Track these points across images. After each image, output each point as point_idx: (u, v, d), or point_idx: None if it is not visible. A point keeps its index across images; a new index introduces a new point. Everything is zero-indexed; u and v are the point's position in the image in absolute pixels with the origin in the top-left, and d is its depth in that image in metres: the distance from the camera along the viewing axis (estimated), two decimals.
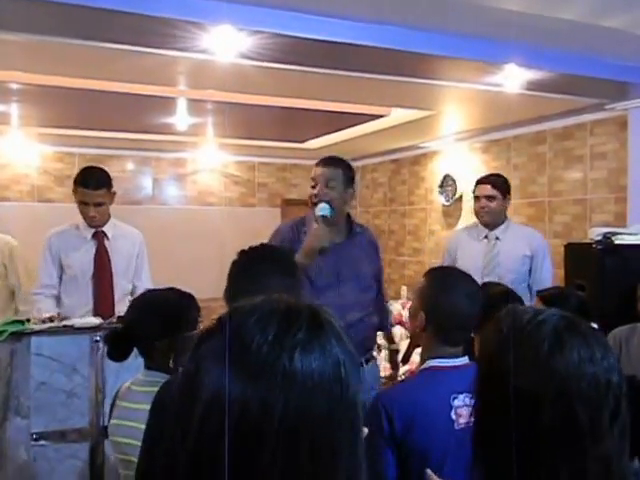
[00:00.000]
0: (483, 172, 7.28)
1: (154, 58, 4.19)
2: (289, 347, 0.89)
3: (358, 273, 3.71)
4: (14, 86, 5.54)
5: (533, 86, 4.85)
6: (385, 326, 4.10)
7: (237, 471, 0.84)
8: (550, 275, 4.52)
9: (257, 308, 0.95)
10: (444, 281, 2.49)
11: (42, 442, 3.73)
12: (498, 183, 4.67)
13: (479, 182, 4.75)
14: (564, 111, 6.03)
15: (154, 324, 2.44)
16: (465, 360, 2.44)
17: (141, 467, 1.99)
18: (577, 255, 5.13)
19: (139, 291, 4.48)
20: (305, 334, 0.91)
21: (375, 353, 3.97)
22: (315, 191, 3.63)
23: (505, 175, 6.95)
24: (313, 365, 0.89)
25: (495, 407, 1.27)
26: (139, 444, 2.17)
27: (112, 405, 2.62)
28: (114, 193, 4.48)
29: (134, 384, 2.50)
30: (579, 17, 4.21)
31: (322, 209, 3.54)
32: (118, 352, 2.55)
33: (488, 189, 4.62)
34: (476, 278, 4.29)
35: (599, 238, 4.91)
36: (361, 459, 0.95)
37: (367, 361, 3.63)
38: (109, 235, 4.51)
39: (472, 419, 2.27)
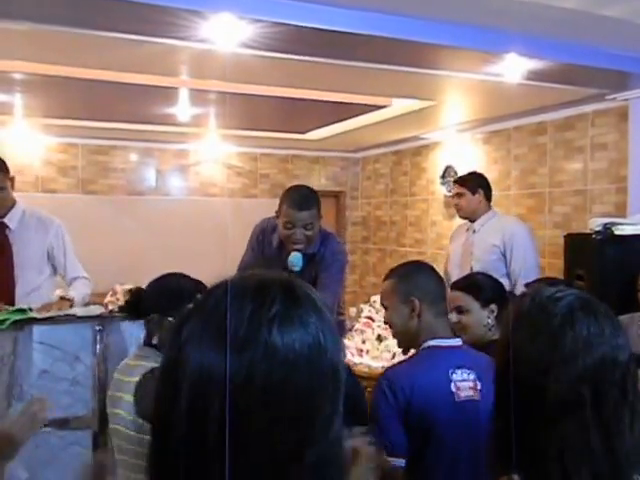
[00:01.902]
0: (484, 163, 7.31)
1: (155, 47, 4.20)
2: (267, 321, 0.90)
3: None
4: (17, 76, 5.55)
5: (534, 76, 4.84)
6: None
7: (224, 444, 0.86)
8: (522, 265, 4.76)
9: (234, 285, 0.96)
10: (412, 268, 2.75)
11: (45, 429, 3.75)
12: (465, 181, 5.12)
13: (453, 182, 5.33)
14: (565, 102, 6.02)
15: (156, 299, 2.56)
16: (459, 341, 2.62)
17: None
18: (577, 245, 5.14)
19: (71, 283, 4.46)
20: (281, 307, 0.93)
21: None
22: (296, 235, 3.57)
23: (506, 166, 7.03)
24: (293, 336, 0.91)
25: (510, 377, 1.31)
26: (123, 413, 2.38)
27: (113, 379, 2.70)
28: (13, 177, 4.27)
29: (130, 359, 2.62)
30: (580, 6, 4.21)
31: (295, 263, 3.52)
32: (130, 309, 2.71)
33: (457, 187, 5.10)
34: (455, 266, 4.70)
35: (599, 228, 4.91)
36: (341, 425, 0.98)
37: None
38: (11, 226, 4.26)
39: (473, 393, 2.38)
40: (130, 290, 2.73)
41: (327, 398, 0.94)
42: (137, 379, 2.41)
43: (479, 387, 2.40)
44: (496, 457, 1.36)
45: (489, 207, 5.07)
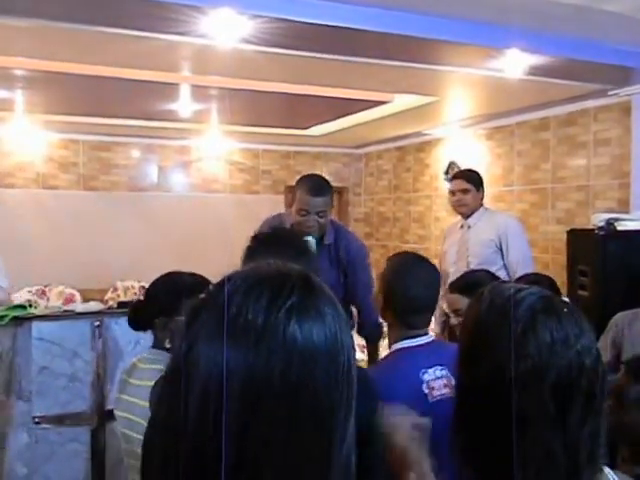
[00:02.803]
0: (488, 159, 7.29)
1: (156, 43, 4.17)
2: (285, 311, 0.89)
3: None
4: (18, 72, 5.54)
5: (535, 71, 4.82)
6: (372, 339, 4.08)
7: (240, 441, 0.84)
8: (519, 256, 4.77)
9: (247, 277, 0.95)
10: (399, 267, 2.56)
11: (44, 425, 3.76)
12: (471, 177, 5.08)
13: (454, 177, 5.24)
14: (568, 97, 6.00)
15: (157, 298, 2.52)
16: (430, 337, 2.52)
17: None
18: (579, 241, 5.13)
19: None
20: (298, 297, 0.91)
21: None
22: (309, 222, 3.65)
23: (509, 162, 7.03)
24: (311, 328, 0.90)
25: (472, 384, 1.27)
26: (137, 419, 2.26)
27: (120, 380, 2.66)
28: None
29: (140, 361, 2.54)
30: (582, 1, 4.19)
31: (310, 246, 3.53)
32: (134, 320, 2.63)
33: (463, 183, 5.02)
34: (450, 263, 4.68)
35: (602, 224, 4.90)
36: (352, 421, 0.95)
37: None
38: None
39: (447, 390, 2.31)
40: (129, 303, 2.68)
41: (343, 394, 0.92)
42: (148, 383, 2.35)
43: (453, 382, 2.35)
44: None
45: (482, 203, 5.10)
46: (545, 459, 1.18)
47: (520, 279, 3.49)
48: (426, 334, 2.49)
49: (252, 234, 2.49)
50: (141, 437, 2.27)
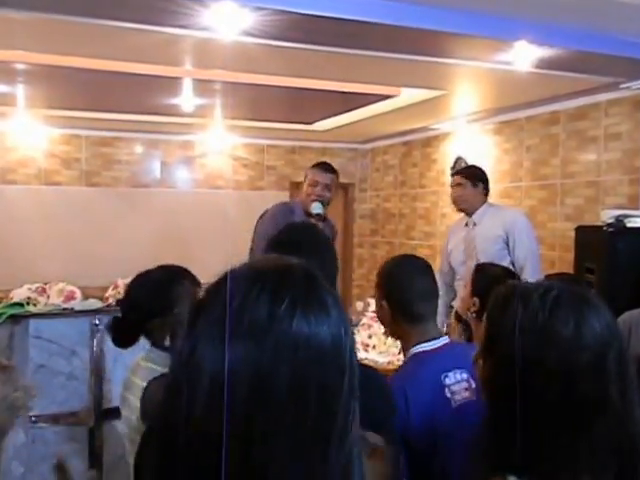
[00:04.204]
0: (495, 154, 7.22)
1: (157, 36, 4.15)
2: (288, 304, 0.88)
3: None
4: (19, 66, 5.50)
5: (544, 64, 4.75)
6: None
7: (248, 437, 0.84)
8: (526, 251, 4.78)
9: (246, 273, 0.94)
10: (392, 265, 2.57)
11: (41, 424, 3.72)
12: (469, 173, 5.15)
13: (453, 174, 5.40)
14: (578, 91, 5.92)
15: (142, 304, 2.44)
16: (445, 340, 2.47)
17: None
18: (588, 238, 5.07)
19: None
20: (301, 289, 0.91)
21: None
22: (317, 191, 4.41)
23: (517, 157, 6.96)
24: (315, 319, 0.89)
25: (502, 370, 1.28)
26: (128, 414, 2.29)
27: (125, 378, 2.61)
28: None
29: (142, 359, 2.50)
30: None
31: (318, 207, 4.36)
32: (122, 338, 2.53)
33: (458, 179, 5.07)
34: (459, 262, 4.93)
35: (611, 221, 4.85)
36: (358, 419, 0.94)
37: None
38: None
39: (469, 394, 2.25)
40: (111, 325, 2.58)
41: (347, 383, 0.91)
42: (142, 383, 2.31)
43: (473, 385, 2.26)
44: (487, 457, 1.31)
45: (485, 200, 5.07)
46: (610, 451, 1.20)
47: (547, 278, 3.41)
48: (441, 336, 2.44)
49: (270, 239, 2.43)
50: (134, 435, 2.22)
